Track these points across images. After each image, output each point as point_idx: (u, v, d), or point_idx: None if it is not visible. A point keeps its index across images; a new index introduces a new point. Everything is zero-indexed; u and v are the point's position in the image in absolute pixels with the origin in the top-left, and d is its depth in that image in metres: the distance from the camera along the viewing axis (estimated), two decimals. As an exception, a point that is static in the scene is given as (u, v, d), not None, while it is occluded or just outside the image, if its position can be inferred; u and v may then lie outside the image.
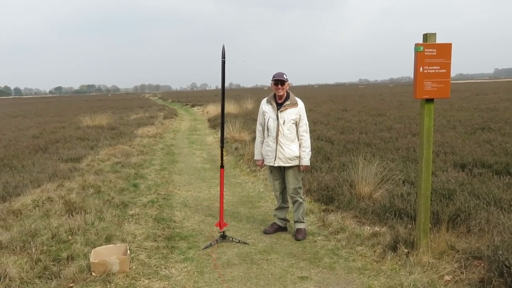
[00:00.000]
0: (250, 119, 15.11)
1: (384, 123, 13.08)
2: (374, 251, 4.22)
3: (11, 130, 16.37)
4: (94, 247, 4.25)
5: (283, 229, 5.07)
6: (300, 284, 3.73)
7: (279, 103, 4.70)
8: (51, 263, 4.02)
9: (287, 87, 4.69)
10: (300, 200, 4.84)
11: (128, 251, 4.10)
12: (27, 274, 3.80)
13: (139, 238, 4.83)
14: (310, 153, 4.77)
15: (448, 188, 5.29)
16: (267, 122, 4.75)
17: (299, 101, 4.75)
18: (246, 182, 7.61)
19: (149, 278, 3.86)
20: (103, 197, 6.27)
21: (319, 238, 4.78)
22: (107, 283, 3.72)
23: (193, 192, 7.05)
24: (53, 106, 44.21)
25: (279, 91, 4.64)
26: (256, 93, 40.95)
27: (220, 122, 4.97)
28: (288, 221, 5.12)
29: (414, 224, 4.17)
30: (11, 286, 3.61)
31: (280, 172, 4.87)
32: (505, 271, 3.21)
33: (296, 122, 4.68)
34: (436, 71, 3.67)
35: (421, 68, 3.65)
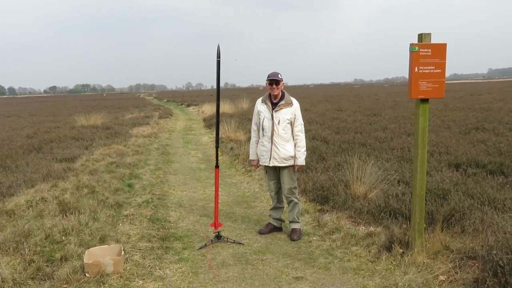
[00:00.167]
0: (245, 118, 15.10)
1: (379, 123, 13.11)
2: (369, 251, 4.22)
3: (4, 130, 16.26)
4: (88, 248, 4.22)
5: (278, 229, 5.06)
6: (295, 284, 3.72)
7: (274, 103, 4.69)
8: (45, 264, 3.99)
9: (282, 87, 4.69)
10: (295, 200, 4.83)
11: (122, 252, 4.07)
12: (20, 275, 3.76)
13: (133, 238, 4.81)
14: (305, 153, 4.77)
15: (442, 188, 5.31)
16: (262, 122, 4.74)
17: (294, 100, 4.74)
18: (241, 182, 7.60)
19: (144, 279, 3.84)
20: (97, 197, 6.23)
21: (314, 238, 4.78)
22: (101, 284, 3.70)
23: (188, 192, 7.03)
24: (48, 105, 43.98)
25: (274, 91, 4.63)
26: (252, 93, 40.94)
27: (215, 122, 4.96)
28: (283, 221, 5.12)
29: (409, 224, 4.17)
30: (4, 287, 3.58)
31: (275, 172, 4.86)
32: (499, 271, 3.22)
33: (291, 122, 4.67)
34: (431, 71, 3.68)
35: (416, 68, 3.65)
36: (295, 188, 4.84)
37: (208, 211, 5.88)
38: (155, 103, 41.68)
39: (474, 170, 6.42)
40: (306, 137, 4.87)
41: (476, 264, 3.56)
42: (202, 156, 10.46)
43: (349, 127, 12.49)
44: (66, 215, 5.30)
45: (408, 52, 3.67)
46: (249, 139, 5.68)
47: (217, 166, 4.89)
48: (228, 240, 4.74)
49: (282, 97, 4.70)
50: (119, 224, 5.26)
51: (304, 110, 6.02)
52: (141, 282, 3.79)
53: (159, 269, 4.05)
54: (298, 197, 4.92)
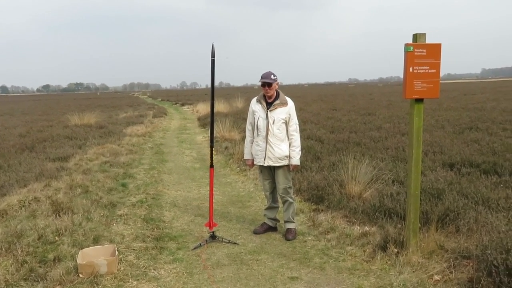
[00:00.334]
0: (240, 118, 15.07)
1: (373, 123, 13.15)
2: (364, 251, 4.22)
3: (-3, 129, 16.12)
4: (82, 248, 4.19)
5: (273, 229, 5.05)
6: (290, 284, 3.72)
7: (269, 102, 4.68)
8: (37, 264, 3.95)
9: (276, 87, 4.67)
10: (290, 200, 4.82)
11: (116, 252, 4.04)
12: (12, 276, 3.72)
13: (127, 238, 4.77)
14: (300, 152, 4.76)
15: (437, 187, 5.33)
16: (257, 122, 4.72)
17: (289, 100, 4.73)
18: (236, 182, 7.58)
19: (138, 280, 3.81)
20: (91, 197, 6.19)
21: (309, 238, 4.78)
22: (95, 285, 3.67)
23: (183, 191, 7.00)
24: (41, 104, 43.69)
25: (267, 92, 4.62)
26: (246, 92, 40.92)
27: (210, 121, 4.93)
28: (278, 221, 5.10)
29: (404, 223, 4.18)
30: (-5, 288, 3.54)
31: (270, 171, 4.85)
32: (493, 271, 3.23)
33: (286, 121, 4.66)
34: (426, 71, 3.68)
35: (411, 68, 3.65)
36: (290, 187, 4.83)
37: (203, 210, 5.86)
38: (149, 102, 41.54)
39: (468, 170, 6.45)
40: (301, 136, 4.86)
41: (471, 264, 3.57)
42: (197, 156, 10.42)
43: (343, 126, 12.52)
44: (59, 215, 5.25)
45: (403, 52, 3.67)
46: (243, 138, 5.67)
47: (211, 166, 4.87)
48: (223, 240, 4.72)
49: (277, 97, 4.68)
50: (113, 224, 5.23)
51: (298, 110, 6.01)
52: (135, 282, 3.76)
53: (154, 269, 4.02)
54: (293, 196, 4.91)
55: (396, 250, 3.98)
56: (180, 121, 20.55)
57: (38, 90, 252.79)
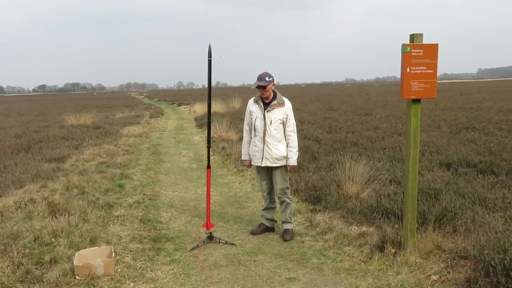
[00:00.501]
0: (237, 118, 15.07)
1: (370, 123, 13.17)
2: (362, 252, 4.22)
3: (-7, 129, 16.04)
4: (78, 250, 4.16)
5: (271, 229, 5.04)
6: (288, 285, 3.71)
7: (266, 103, 4.67)
8: (34, 266, 3.92)
9: (272, 88, 4.65)
10: (288, 200, 4.81)
11: (113, 254, 4.02)
12: (8, 278, 3.69)
13: (124, 240, 4.75)
14: (297, 153, 4.75)
15: (434, 187, 5.33)
16: (254, 122, 4.71)
17: (286, 100, 4.72)
18: (233, 182, 7.56)
19: (135, 281, 3.79)
20: (87, 198, 6.16)
21: (307, 238, 4.77)
22: (92, 286, 3.65)
23: (180, 192, 6.98)
24: (37, 104, 43.52)
25: (263, 94, 4.62)
26: (243, 92, 40.90)
27: (206, 121, 4.92)
28: (276, 221, 5.10)
29: (401, 224, 4.18)
30: (-9, 291, 3.52)
31: (267, 172, 4.84)
32: (491, 271, 3.23)
33: (283, 122, 4.65)
34: (423, 71, 3.68)
35: (408, 69, 3.65)
36: (287, 188, 4.82)
37: (200, 211, 5.84)
38: (146, 102, 41.46)
39: (465, 170, 6.46)
40: (298, 136, 4.85)
41: (468, 264, 3.57)
42: (194, 156, 10.40)
43: (340, 126, 12.53)
44: (55, 217, 5.22)
45: (400, 53, 3.67)
46: (241, 138, 5.67)
47: (208, 166, 4.86)
48: (220, 241, 4.71)
49: (274, 97, 4.67)
50: (109, 225, 5.20)
51: (295, 110, 6.00)
52: (132, 284, 3.74)
53: (151, 270, 4.00)
54: (290, 197, 4.90)
55: (393, 250, 3.98)
56: (177, 121, 20.51)
57: (34, 90, 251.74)
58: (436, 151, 7.98)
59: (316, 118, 15.11)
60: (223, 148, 10.36)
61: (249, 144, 4.88)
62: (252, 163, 4.86)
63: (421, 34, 3.66)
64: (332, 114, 16.99)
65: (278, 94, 4.71)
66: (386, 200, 5.09)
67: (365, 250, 4.21)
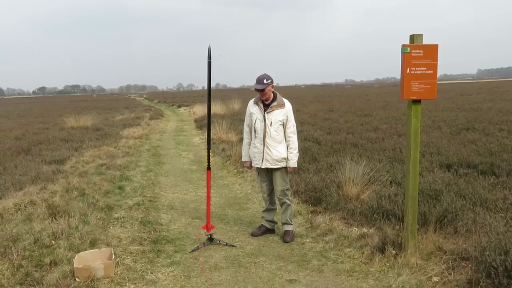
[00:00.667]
0: (237, 119, 15.06)
1: (370, 124, 13.16)
2: (362, 253, 4.21)
3: (-8, 132, 16.02)
4: (78, 252, 4.15)
5: (271, 231, 5.03)
6: (289, 287, 3.69)
7: (266, 104, 4.66)
8: (34, 269, 3.90)
9: (271, 90, 4.63)
10: (288, 202, 4.80)
11: (113, 256, 4.00)
12: (8, 280, 3.68)
13: (124, 242, 4.74)
14: (297, 154, 4.74)
15: (434, 188, 5.32)
16: (254, 124, 4.70)
17: (287, 102, 4.71)
18: (233, 184, 7.55)
19: (135, 283, 3.78)
20: (87, 200, 6.15)
21: (307, 240, 4.76)
22: (92, 289, 3.64)
23: (180, 194, 6.97)
24: (37, 106, 43.52)
25: (263, 96, 4.61)
26: (243, 93, 40.91)
27: (206, 122, 4.91)
28: (276, 223, 5.08)
29: (402, 225, 4.17)
30: (-9, 293, 3.51)
31: (267, 174, 4.83)
32: (492, 272, 3.22)
33: (283, 123, 4.64)
34: (423, 72, 3.67)
35: (408, 69, 3.64)
36: (287, 189, 4.81)
37: (200, 213, 5.83)
38: (145, 104, 41.46)
39: (465, 171, 6.45)
40: (298, 138, 4.84)
41: (469, 265, 3.56)
42: (194, 158, 10.39)
43: (340, 127, 12.52)
44: (55, 219, 5.21)
45: (400, 53, 3.67)
46: (241, 140, 5.66)
47: (208, 168, 4.84)
48: (221, 242, 4.70)
49: (274, 99, 4.66)
50: (109, 227, 5.19)
51: (295, 111, 6.00)
52: (132, 286, 3.73)
53: (151, 272, 3.99)
54: (290, 198, 4.89)
55: (394, 251, 3.96)
56: (176, 123, 20.51)
57: (34, 92, 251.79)
58: (436, 152, 7.97)
59: (316, 119, 15.10)
60: (223, 149, 10.35)
61: (249, 145, 4.87)
62: (253, 164, 4.85)
63: (421, 35, 3.66)
64: (332, 115, 16.99)
65: (278, 96, 4.70)
66: (386, 201, 5.08)
67: (365, 252, 4.20)
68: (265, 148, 4.64)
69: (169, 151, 11.44)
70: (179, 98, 50.13)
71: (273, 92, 4.67)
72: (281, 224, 4.94)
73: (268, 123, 4.61)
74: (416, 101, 3.76)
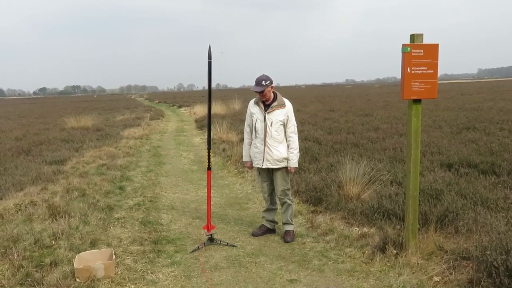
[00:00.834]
0: (237, 119, 15.06)
1: (371, 123, 13.15)
2: (363, 253, 4.20)
3: (-7, 132, 16.03)
4: (79, 252, 4.15)
5: (272, 231, 5.03)
6: (289, 287, 3.69)
7: (267, 105, 4.65)
8: (34, 269, 3.91)
9: (271, 90, 4.62)
10: (289, 201, 4.80)
11: (114, 256, 4.00)
12: (8, 281, 3.68)
13: (125, 242, 4.74)
14: (298, 154, 4.73)
15: (435, 188, 5.31)
16: (255, 124, 4.70)
17: (287, 102, 4.70)
18: (234, 184, 7.55)
19: (135, 283, 3.77)
20: (88, 200, 6.15)
21: (308, 240, 4.75)
22: (92, 289, 3.63)
23: (180, 194, 6.97)
24: (37, 107, 43.55)
25: (263, 97, 4.60)
26: (243, 94, 40.88)
27: (207, 123, 4.91)
28: (277, 223, 5.08)
29: (403, 225, 4.16)
30: (-9, 294, 3.50)
31: (268, 173, 4.82)
32: (493, 272, 3.21)
33: (284, 123, 4.64)
34: (424, 71, 3.67)
35: (408, 69, 3.64)
36: (288, 189, 4.81)
37: (201, 213, 5.83)
38: (146, 104, 41.48)
39: (466, 170, 6.44)
40: (298, 138, 4.83)
41: (471, 265, 3.55)
42: (194, 158, 10.39)
43: (341, 127, 12.51)
44: (56, 219, 5.21)
45: (400, 53, 3.66)
46: (241, 140, 5.66)
47: (209, 168, 4.84)
48: (221, 242, 4.69)
49: (275, 99, 4.66)
50: (110, 227, 5.19)
51: (296, 111, 5.99)
52: (133, 286, 3.73)
53: (151, 273, 3.99)
54: (291, 198, 4.88)
55: (395, 251, 3.96)
56: (177, 123, 20.51)
57: (34, 92, 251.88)
58: (437, 152, 7.96)
59: (316, 119, 15.09)
60: (224, 149, 10.34)
61: (250, 145, 4.87)
62: (253, 164, 4.85)
63: (422, 34, 3.65)
64: (333, 115, 16.98)
65: (279, 96, 4.69)
66: (387, 201, 5.08)
67: (366, 251, 4.19)
68: (266, 148, 4.63)
69: (169, 151, 11.44)
70: (179, 98, 50.15)
71: (274, 92, 4.66)
72: (281, 224, 4.94)
73: (268, 123, 4.60)
74: (417, 101, 3.75)
